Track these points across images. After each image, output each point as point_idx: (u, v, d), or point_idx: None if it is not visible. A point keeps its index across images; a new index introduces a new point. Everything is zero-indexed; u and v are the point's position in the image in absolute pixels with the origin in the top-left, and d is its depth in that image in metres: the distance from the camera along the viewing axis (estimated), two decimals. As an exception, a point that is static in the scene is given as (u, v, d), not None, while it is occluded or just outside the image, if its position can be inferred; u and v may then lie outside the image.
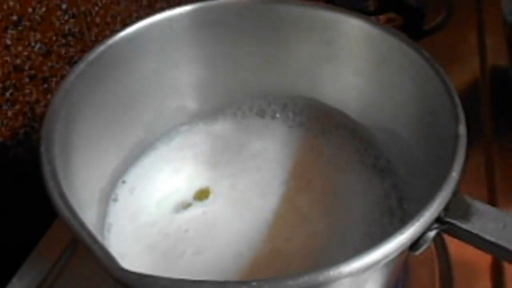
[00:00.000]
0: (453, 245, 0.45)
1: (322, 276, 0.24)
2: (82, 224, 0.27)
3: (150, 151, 0.46)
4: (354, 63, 0.43)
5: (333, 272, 0.24)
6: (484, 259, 0.44)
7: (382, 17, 0.70)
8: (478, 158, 0.53)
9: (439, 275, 0.44)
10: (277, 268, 0.38)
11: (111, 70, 0.39)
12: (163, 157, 0.46)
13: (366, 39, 0.41)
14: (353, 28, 0.41)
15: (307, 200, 0.42)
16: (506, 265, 0.44)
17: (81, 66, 0.36)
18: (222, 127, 0.48)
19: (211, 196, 0.42)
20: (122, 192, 0.43)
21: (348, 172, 0.43)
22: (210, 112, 0.48)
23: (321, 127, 0.47)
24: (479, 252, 0.31)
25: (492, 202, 0.49)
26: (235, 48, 0.44)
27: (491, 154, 0.54)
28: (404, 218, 0.38)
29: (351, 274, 0.25)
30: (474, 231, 0.29)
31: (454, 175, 0.29)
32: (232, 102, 0.48)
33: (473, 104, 0.60)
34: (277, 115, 0.48)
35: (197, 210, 0.42)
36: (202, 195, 0.43)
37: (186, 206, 0.42)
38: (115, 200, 0.42)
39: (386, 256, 0.25)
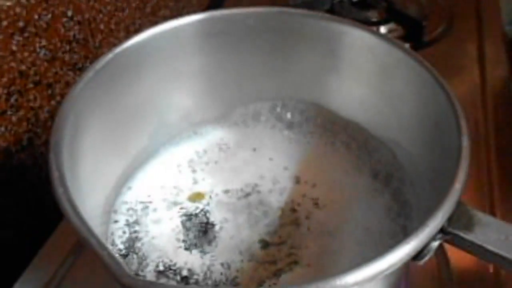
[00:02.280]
0: (454, 253, 0.45)
1: (328, 285, 0.24)
2: (90, 231, 0.27)
3: (154, 158, 0.46)
4: (358, 74, 0.43)
5: (340, 281, 0.25)
6: (484, 268, 0.44)
7: (383, 28, 0.70)
8: (478, 168, 0.53)
9: (439, 283, 0.44)
10: (264, 274, 0.38)
11: (118, 78, 0.39)
12: (166, 164, 0.46)
13: (369, 50, 0.41)
14: (357, 39, 0.42)
15: (307, 208, 0.42)
16: (506, 273, 0.44)
17: (89, 74, 0.36)
18: (224, 135, 0.48)
19: (203, 201, 0.43)
20: (128, 198, 0.43)
21: (350, 181, 0.44)
22: (213, 120, 0.48)
23: (324, 136, 0.47)
24: (479, 260, 0.31)
25: (491, 213, 0.49)
26: (240, 58, 0.45)
27: (491, 164, 0.54)
28: (407, 228, 0.38)
29: (356, 284, 0.25)
30: (477, 241, 0.30)
31: (458, 186, 0.29)
32: (236, 111, 0.48)
33: (473, 114, 0.60)
34: (280, 125, 0.48)
35: (190, 211, 0.42)
36: (195, 197, 0.43)
37: (180, 207, 0.43)
38: (120, 205, 0.42)
39: (391, 266, 0.26)
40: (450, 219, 0.29)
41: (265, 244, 0.40)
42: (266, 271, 0.38)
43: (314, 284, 0.24)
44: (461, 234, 0.30)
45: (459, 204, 0.30)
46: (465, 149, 0.31)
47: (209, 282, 0.38)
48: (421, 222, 0.28)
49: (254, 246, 0.40)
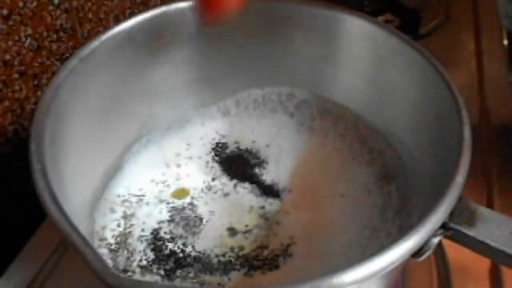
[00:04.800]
0: (451, 248, 0.44)
1: (325, 283, 0.23)
2: (73, 227, 0.26)
3: (142, 150, 0.44)
4: (355, 63, 0.42)
5: (337, 279, 0.23)
6: (482, 263, 0.43)
7: (379, 18, 0.69)
8: (475, 161, 0.53)
9: (437, 279, 0.43)
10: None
11: (105, 66, 0.38)
12: (155, 157, 0.45)
13: (367, 38, 0.40)
14: (353, 27, 0.41)
15: (302, 201, 0.41)
16: (504, 269, 0.43)
17: (73, 62, 0.35)
18: (213, 127, 0.47)
19: (188, 197, 0.42)
20: (120, 191, 0.42)
21: (348, 174, 0.43)
22: (204, 110, 0.47)
23: (319, 127, 0.46)
24: (477, 255, 0.30)
25: (489, 207, 0.49)
26: (234, 46, 0.44)
27: (489, 158, 0.53)
28: (406, 223, 0.37)
29: (355, 282, 0.24)
30: (480, 237, 0.28)
31: (460, 179, 0.28)
32: (229, 101, 0.47)
33: (470, 106, 0.59)
34: (274, 114, 0.47)
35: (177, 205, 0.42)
36: (180, 194, 0.42)
37: (167, 202, 0.42)
38: (114, 198, 0.41)
39: (391, 264, 0.24)
40: (451, 214, 0.28)
41: (233, 233, 0.40)
42: (235, 256, 0.38)
43: (309, 283, 0.23)
44: (463, 229, 0.29)
45: (460, 198, 0.29)
46: (466, 141, 0.30)
47: (192, 273, 0.37)
48: (422, 217, 0.26)
49: (223, 234, 0.39)
